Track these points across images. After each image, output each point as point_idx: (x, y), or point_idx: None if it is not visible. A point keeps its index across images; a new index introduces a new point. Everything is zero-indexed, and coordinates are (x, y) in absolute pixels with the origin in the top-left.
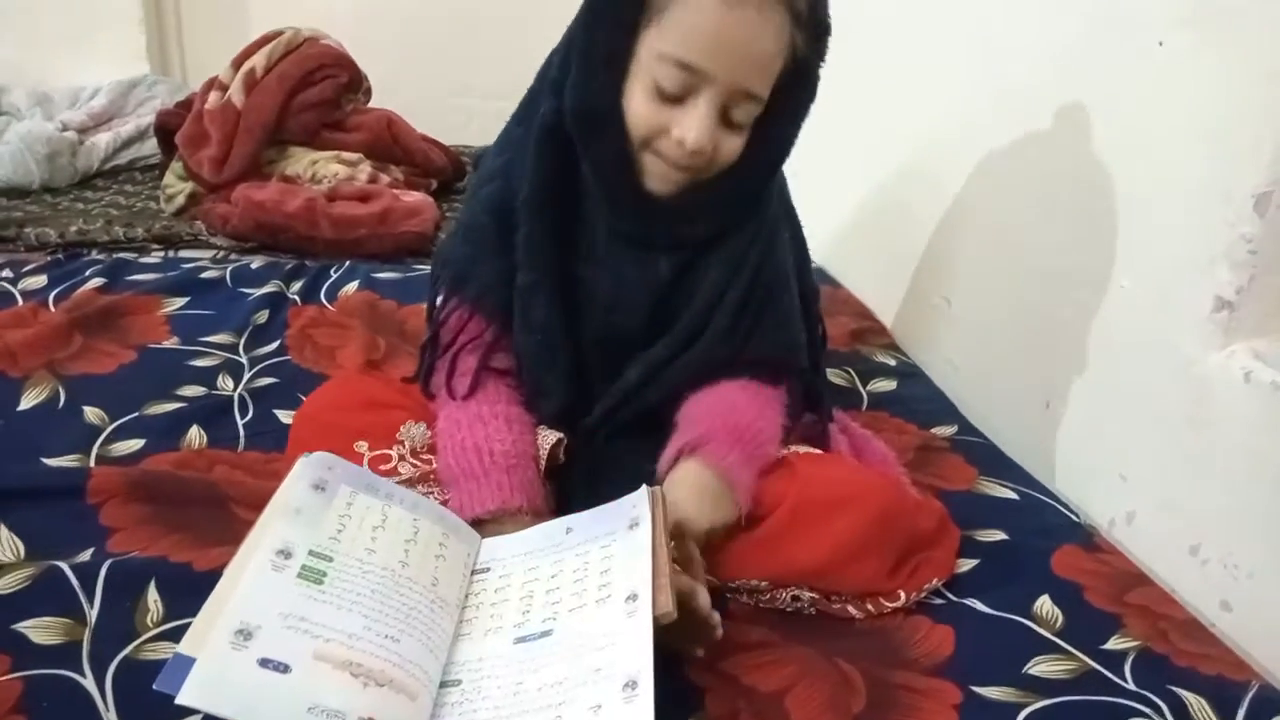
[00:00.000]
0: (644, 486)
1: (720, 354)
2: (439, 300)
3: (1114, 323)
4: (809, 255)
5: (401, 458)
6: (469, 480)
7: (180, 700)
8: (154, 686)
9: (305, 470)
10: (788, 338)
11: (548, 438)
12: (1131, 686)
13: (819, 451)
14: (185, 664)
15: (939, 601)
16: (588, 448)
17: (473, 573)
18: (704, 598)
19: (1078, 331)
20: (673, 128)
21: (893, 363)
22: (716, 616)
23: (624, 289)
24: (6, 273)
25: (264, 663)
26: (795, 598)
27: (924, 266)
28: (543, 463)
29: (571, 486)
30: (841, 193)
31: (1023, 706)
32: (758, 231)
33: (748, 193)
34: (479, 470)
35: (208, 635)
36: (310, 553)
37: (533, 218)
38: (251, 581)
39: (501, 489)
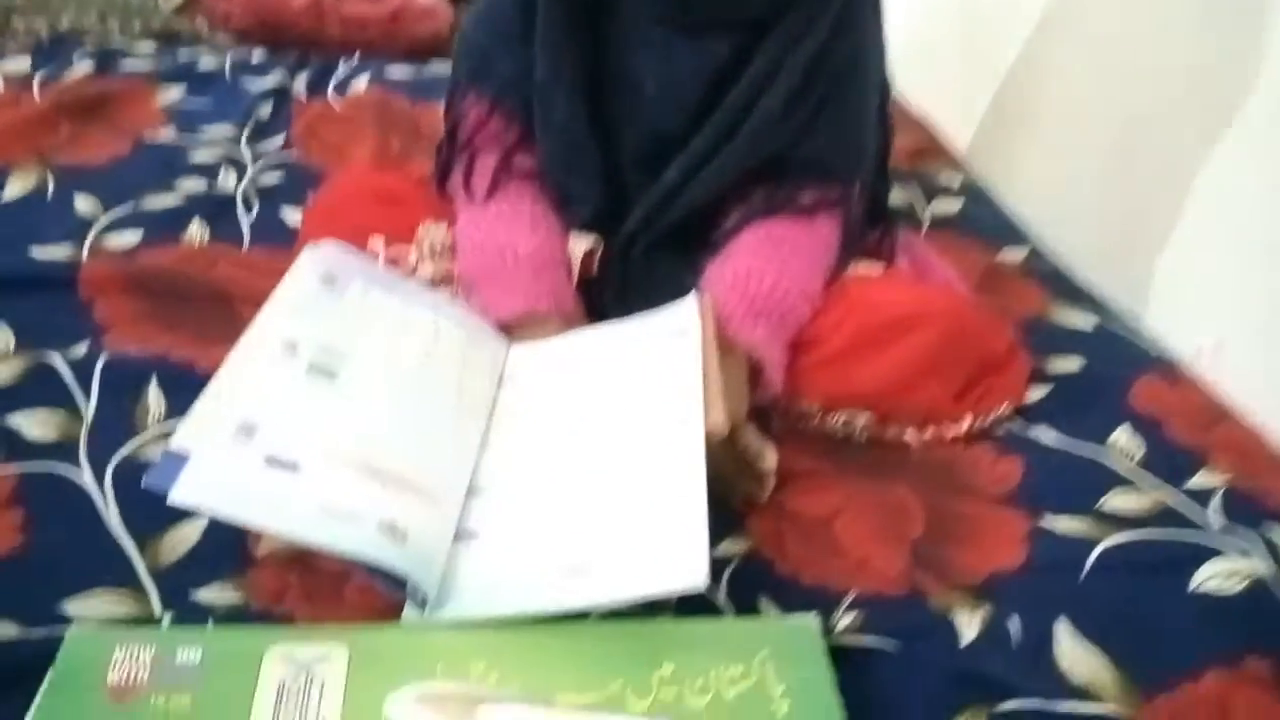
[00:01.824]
0: (692, 293)
1: (767, 146)
2: (456, 93)
3: (1213, 138)
4: (884, 45)
5: (421, 258)
6: (491, 282)
7: (173, 499)
8: (143, 484)
9: (314, 261)
10: (851, 140)
11: (580, 244)
12: (1217, 526)
13: (880, 269)
14: (179, 460)
15: (1004, 431)
16: (622, 261)
17: (500, 380)
18: (770, 457)
19: (1171, 146)
20: None
21: (956, 183)
22: (773, 479)
23: (672, 78)
24: None
25: (271, 461)
26: (848, 423)
27: (997, 75)
28: (575, 271)
29: (602, 303)
30: None
31: (1097, 541)
32: (824, 6)
33: None
34: (502, 271)
35: (205, 429)
36: (320, 348)
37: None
38: (255, 374)
39: (528, 292)
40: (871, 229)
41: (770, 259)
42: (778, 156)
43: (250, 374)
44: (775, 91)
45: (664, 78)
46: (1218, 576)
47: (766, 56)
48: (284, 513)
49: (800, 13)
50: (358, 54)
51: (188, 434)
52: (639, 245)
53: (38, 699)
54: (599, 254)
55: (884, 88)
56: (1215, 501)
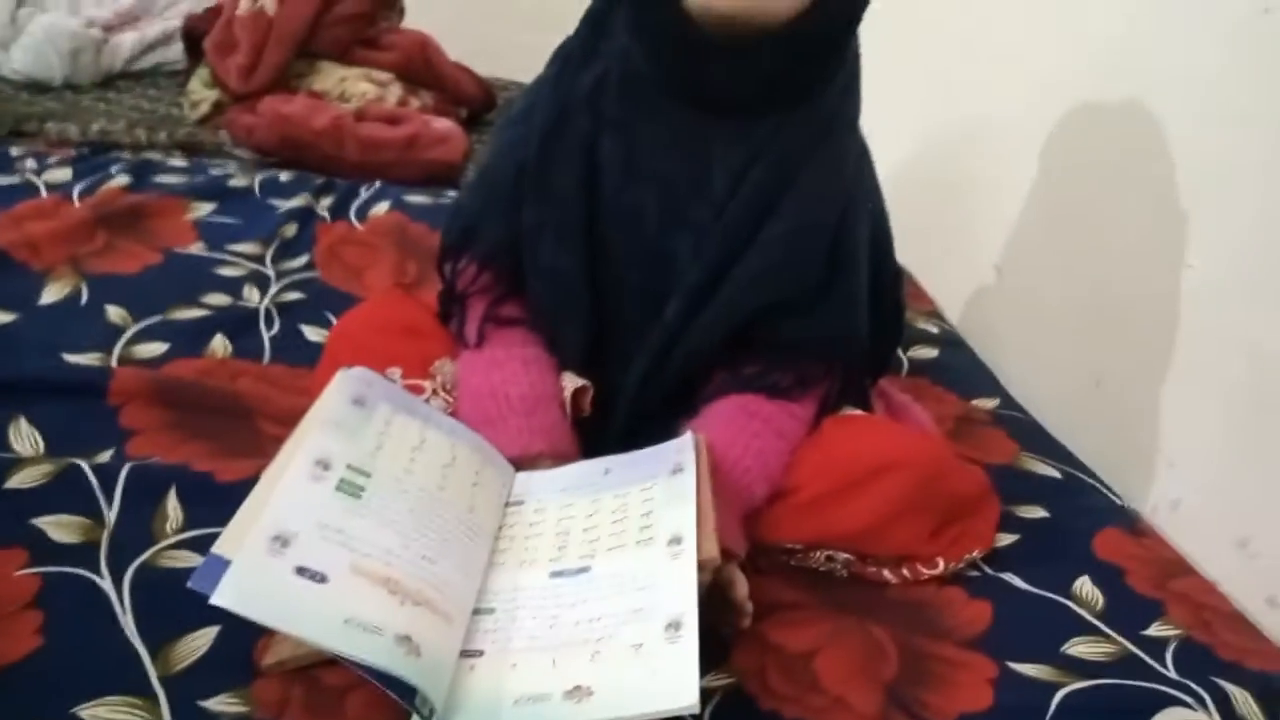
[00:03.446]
0: (689, 433)
1: (766, 294)
2: (447, 253)
3: (1178, 302)
4: (890, 231)
5: (434, 392)
6: (486, 427)
7: (215, 601)
8: (188, 585)
9: (345, 384)
10: (845, 322)
11: (570, 383)
12: (1173, 675)
13: (858, 413)
14: (220, 565)
15: (976, 574)
16: (621, 414)
17: (507, 505)
18: (741, 586)
19: (1137, 309)
20: None
21: (935, 330)
22: (749, 605)
23: (676, 200)
24: (30, 163)
25: (301, 571)
26: (829, 558)
27: (974, 232)
28: (567, 409)
29: (602, 446)
30: (887, 147)
31: (1060, 686)
32: (823, 137)
33: (815, 45)
34: (495, 416)
35: (245, 538)
36: (349, 466)
37: (546, 143)
38: (290, 488)
39: (521, 434)
40: (862, 387)
41: (738, 435)
42: (774, 316)
43: (285, 488)
44: (777, 233)
45: (666, 201)
46: None
47: (772, 164)
48: (311, 620)
49: (806, 127)
50: (378, 181)
51: (228, 541)
52: (640, 402)
53: None
54: (590, 394)
55: (894, 273)
56: (1171, 651)
